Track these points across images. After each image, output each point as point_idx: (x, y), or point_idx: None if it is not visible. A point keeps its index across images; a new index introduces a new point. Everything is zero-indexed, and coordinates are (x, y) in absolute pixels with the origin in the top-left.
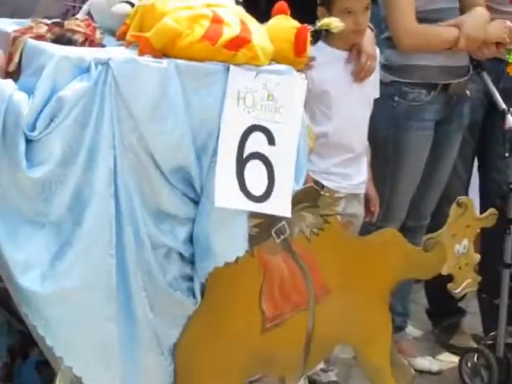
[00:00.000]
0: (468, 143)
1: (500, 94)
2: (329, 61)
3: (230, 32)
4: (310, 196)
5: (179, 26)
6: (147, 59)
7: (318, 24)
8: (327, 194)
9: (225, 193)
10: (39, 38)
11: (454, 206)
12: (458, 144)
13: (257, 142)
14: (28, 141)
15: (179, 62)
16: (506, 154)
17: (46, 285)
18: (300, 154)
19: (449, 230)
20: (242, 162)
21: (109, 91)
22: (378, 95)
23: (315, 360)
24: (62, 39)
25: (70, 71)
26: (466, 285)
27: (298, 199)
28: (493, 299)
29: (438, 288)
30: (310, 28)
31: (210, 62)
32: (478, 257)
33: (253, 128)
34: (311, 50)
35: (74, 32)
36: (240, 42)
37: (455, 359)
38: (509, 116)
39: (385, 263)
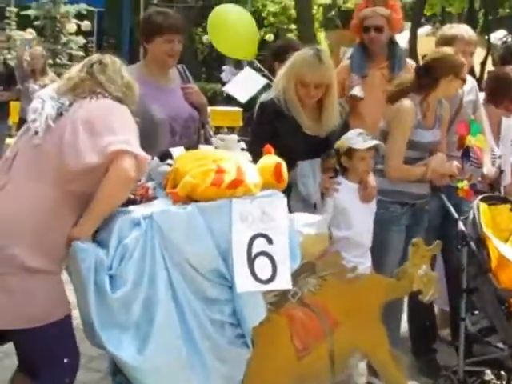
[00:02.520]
0: (429, 240)
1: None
2: (346, 189)
3: (229, 177)
4: (307, 268)
5: (195, 180)
6: (177, 207)
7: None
8: (320, 263)
9: (242, 282)
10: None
11: (410, 247)
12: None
13: (260, 245)
14: (110, 276)
15: (199, 204)
16: (458, 247)
17: (136, 364)
18: (292, 243)
19: (410, 262)
20: (251, 260)
21: (155, 234)
22: (375, 209)
23: (339, 369)
24: (128, 203)
25: (127, 227)
26: (431, 294)
27: (301, 271)
28: None
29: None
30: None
31: (219, 200)
32: (435, 274)
33: (255, 236)
34: (336, 180)
35: (135, 195)
36: (236, 183)
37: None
38: (459, 222)
39: (374, 295)
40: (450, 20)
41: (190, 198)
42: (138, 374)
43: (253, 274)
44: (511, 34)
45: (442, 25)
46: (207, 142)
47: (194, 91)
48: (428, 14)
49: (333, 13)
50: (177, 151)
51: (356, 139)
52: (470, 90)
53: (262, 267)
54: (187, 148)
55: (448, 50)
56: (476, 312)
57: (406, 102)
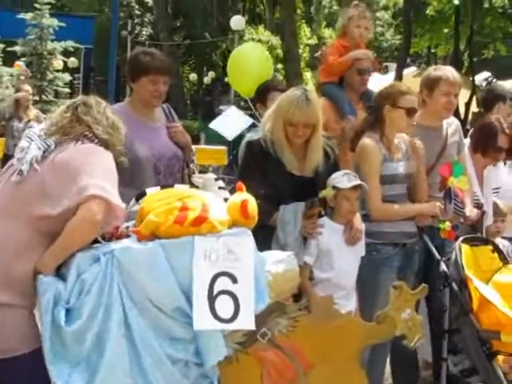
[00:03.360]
0: (416, 281)
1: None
2: (331, 230)
3: (192, 215)
4: (277, 308)
5: (158, 218)
6: (139, 244)
7: (320, 196)
8: (292, 304)
9: (200, 319)
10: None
11: (391, 289)
12: (412, 282)
13: (223, 283)
14: (67, 310)
15: (162, 241)
16: (441, 288)
17: None
18: (260, 283)
19: (392, 306)
20: (212, 298)
21: (115, 270)
22: (363, 253)
23: None
24: (96, 241)
25: (87, 262)
26: (417, 339)
27: (270, 311)
28: None
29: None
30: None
31: (183, 237)
32: (420, 318)
33: (218, 274)
34: (321, 221)
35: (103, 235)
36: (200, 220)
37: None
38: (441, 263)
39: (351, 338)
40: (435, 61)
41: (155, 237)
42: None
43: (213, 311)
44: (495, 75)
45: (427, 66)
46: (192, 183)
47: (178, 130)
48: (412, 52)
49: (319, 52)
50: (152, 191)
51: (341, 179)
52: (454, 132)
53: (224, 306)
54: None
55: (396, 83)
56: (458, 353)
57: (366, 141)
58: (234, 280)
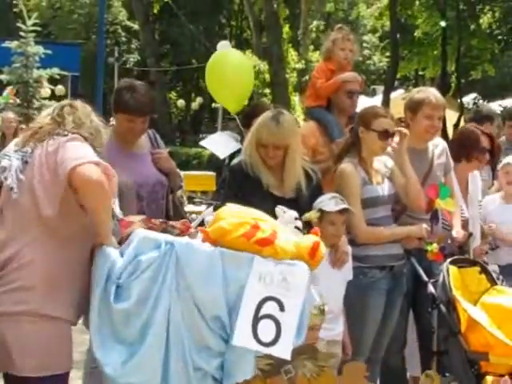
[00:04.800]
0: (404, 303)
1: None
2: None
3: (261, 235)
4: (309, 350)
5: (228, 227)
6: (202, 244)
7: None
8: (324, 351)
9: (240, 336)
10: (151, 227)
11: (422, 377)
12: (400, 304)
13: (270, 308)
14: (117, 286)
15: (223, 249)
16: (429, 309)
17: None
18: (303, 318)
19: None
20: (257, 319)
21: (172, 261)
22: (351, 277)
23: None
24: (165, 231)
25: (148, 245)
26: None
27: (301, 351)
28: None
29: None
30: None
31: (244, 253)
32: None
33: (268, 298)
34: None
35: (174, 228)
36: (266, 242)
37: None
38: (429, 285)
39: None
40: (423, 83)
41: (218, 243)
42: None
43: (254, 332)
44: (483, 96)
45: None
46: (176, 208)
47: (163, 157)
48: (400, 75)
49: (307, 77)
50: (231, 206)
51: (327, 202)
52: (440, 153)
53: (266, 329)
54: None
55: (374, 106)
56: (447, 374)
57: (344, 165)
58: (282, 308)
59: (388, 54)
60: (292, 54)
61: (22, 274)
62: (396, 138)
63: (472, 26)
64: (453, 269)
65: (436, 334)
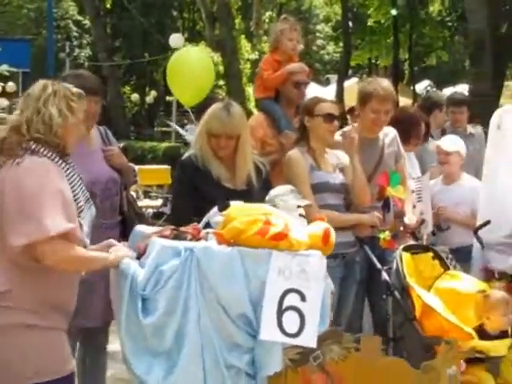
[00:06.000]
0: (359, 291)
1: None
2: None
3: (274, 230)
4: (335, 335)
5: (242, 226)
6: (219, 247)
7: None
8: (348, 334)
9: (267, 330)
10: (163, 236)
11: (443, 343)
12: (355, 292)
13: (292, 299)
14: (143, 299)
15: (241, 248)
16: (384, 297)
17: None
18: (324, 306)
19: (441, 360)
20: (281, 311)
21: (194, 266)
22: None
23: None
24: (177, 238)
25: (168, 254)
26: None
27: (327, 336)
28: None
29: None
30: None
31: (261, 249)
32: (460, 378)
33: (290, 290)
34: None
35: (185, 233)
36: (280, 236)
37: None
38: (383, 272)
39: (395, 380)
40: (377, 72)
41: (234, 243)
42: None
43: (279, 325)
44: (436, 83)
45: (368, 77)
46: (130, 204)
47: (114, 153)
48: (354, 64)
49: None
50: (236, 203)
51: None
52: (391, 142)
53: (290, 321)
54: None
55: (316, 96)
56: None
57: (291, 152)
58: (303, 298)
59: (342, 43)
60: (245, 45)
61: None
62: (346, 129)
63: (422, 14)
64: (406, 255)
65: (391, 321)
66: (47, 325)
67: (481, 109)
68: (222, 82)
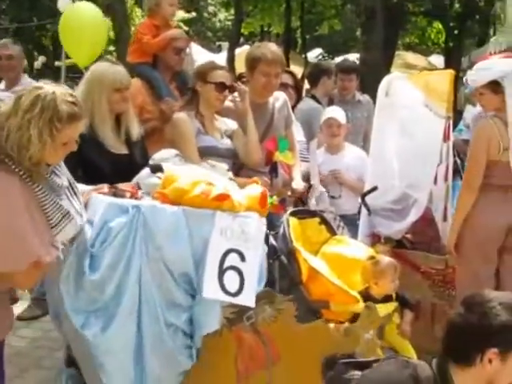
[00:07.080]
0: None
1: None
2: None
3: (217, 191)
4: (268, 296)
5: (186, 187)
6: (165, 206)
7: None
8: (280, 295)
9: (209, 288)
10: (102, 194)
11: (363, 309)
12: None
13: (232, 259)
14: (91, 255)
15: (186, 208)
16: (270, 261)
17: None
18: (262, 268)
19: (360, 324)
20: (222, 271)
21: (140, 225)
22: None
23: None
24: (116, 195)
25: (115, 211)
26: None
27: (261, 297)
28: None
29: None
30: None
31: (205, 209)
32: (379, 343)
33: (230, 250)
34: None
35: (124, 191)
36: (223, 197)
37: None
38: (270, 237)
39: (317, 342)
40: (269, 40)
41: (177, 203)
42: (98, 351)
43: (221, 284)
44: (328, 52)
45: None
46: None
47: None
48: (246, 32)
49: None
50: (168, 166)
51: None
52: (281, 106)
53: (231, 280)
54: None
55: (212, 62)
56: None
57: (178, 115)
58: (243, 258)
59: (233, 10)
60: (136, 11)
61: None
62: (236, 94)
63: None
64: (293, 220)
65: (278, 285)
66: None
67: (371, 78)
68: (112, 48)
